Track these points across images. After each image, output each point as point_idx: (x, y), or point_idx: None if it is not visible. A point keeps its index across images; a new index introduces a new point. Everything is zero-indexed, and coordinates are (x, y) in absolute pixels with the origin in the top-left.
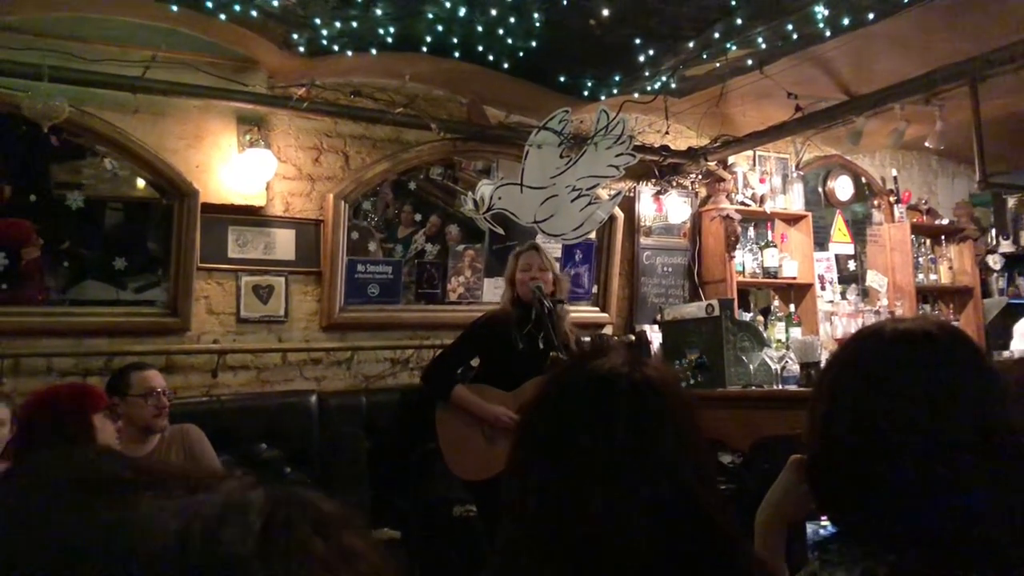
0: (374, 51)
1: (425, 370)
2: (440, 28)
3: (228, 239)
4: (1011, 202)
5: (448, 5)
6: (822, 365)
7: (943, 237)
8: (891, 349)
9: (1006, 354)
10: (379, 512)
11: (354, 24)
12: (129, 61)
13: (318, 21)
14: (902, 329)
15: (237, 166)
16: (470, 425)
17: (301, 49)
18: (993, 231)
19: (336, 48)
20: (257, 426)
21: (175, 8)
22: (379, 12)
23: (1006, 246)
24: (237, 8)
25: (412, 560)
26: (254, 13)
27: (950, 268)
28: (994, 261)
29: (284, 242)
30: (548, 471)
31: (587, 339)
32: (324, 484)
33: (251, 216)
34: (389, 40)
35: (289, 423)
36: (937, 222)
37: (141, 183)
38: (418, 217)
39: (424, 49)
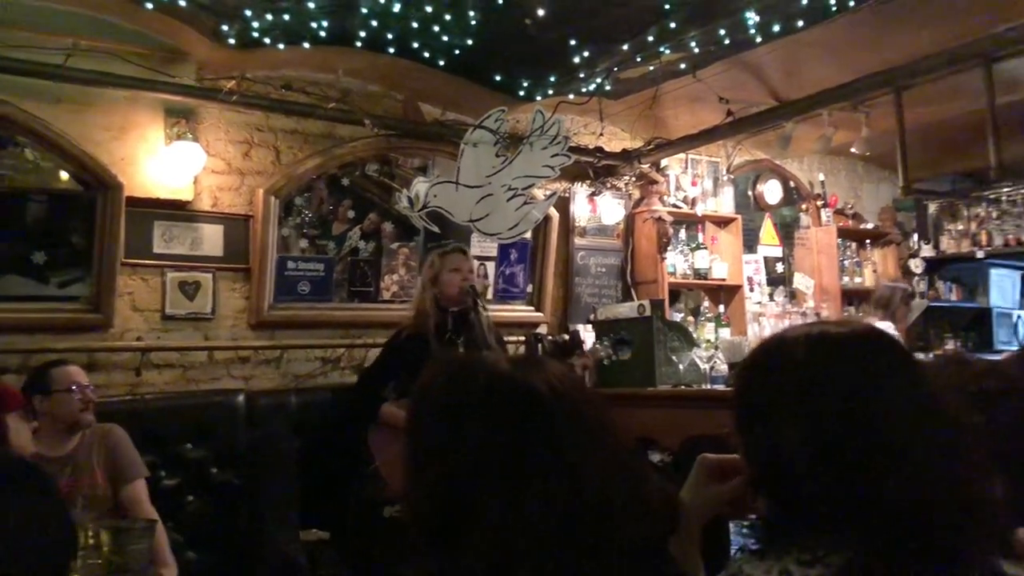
0: (307, 45)
1: (351, 395)
2: (375, 23)
3: (154, 234)
4: (932, 208)
5: (382, 0)
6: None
7: (868, 241)
8: (824, 354)
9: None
10: (308, 513)
11: (286, 17)
12: (50, 48)
13: (249, 13)
14: (833, 333)
15: (164, 159)
16: (403, 441)
17: (231, 41)
18: (915, 236)
19: (268, 41)
20: (183, 426)
21: None
22: (312, 5)
23: (927, 250)
24: None
25: (341, 561)
26: (183, 2)
27: (874, 271)
28: (916, 265)
29: (212, 238)
30: (438, 473)
31: (521, 338)
32: (252, 484)
33: (178, 211)
34: (322, 34)
35: (216, 423)
36: (862, 226)
37: (64, 175)
38: (352, 214)
39: (358, 44)
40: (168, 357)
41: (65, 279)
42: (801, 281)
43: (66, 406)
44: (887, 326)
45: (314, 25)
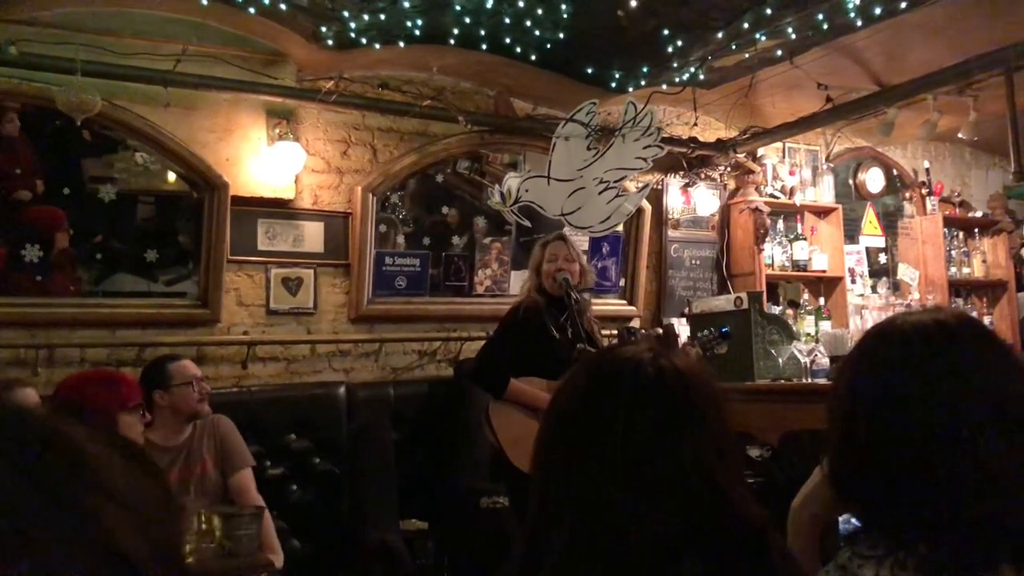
0: (402, 44)
1: (474, 370)
2: (467, 20)
3: (258, 232)
4: None
5: None
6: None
7: (976, 230)
8: (905, 341)
9: None
10: (407, 503)
11: (382, 17)
12: (160, 55)
13: (346, 14)
14: (914, 321)
15: (266, 159)
16: (529, 418)
17: (329, 42)
18: None
19: (364, 41)
20: (286, 417)
21: (206, 1)
22: (406, 4)
23: None
24: (266, 1)
25: (439, 551)
26: (283, 6)
27: (983, 261)
28: None
29: (313, 235)
30: (570, 460)
31: (614, 332)
32: (352, 474)
33: (280, 209)
34: (416, 32)
35: (318, 414)
36: (970, 215)
37: (172, 176)
38: (445, 210)
39: (451, 41)
40: (272, 350)
41: (173, 276)
42: (905, 272)
43: (187, 399)
44: None
45: (408, 24)
